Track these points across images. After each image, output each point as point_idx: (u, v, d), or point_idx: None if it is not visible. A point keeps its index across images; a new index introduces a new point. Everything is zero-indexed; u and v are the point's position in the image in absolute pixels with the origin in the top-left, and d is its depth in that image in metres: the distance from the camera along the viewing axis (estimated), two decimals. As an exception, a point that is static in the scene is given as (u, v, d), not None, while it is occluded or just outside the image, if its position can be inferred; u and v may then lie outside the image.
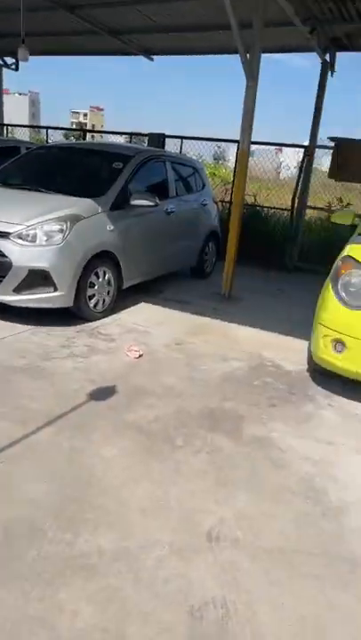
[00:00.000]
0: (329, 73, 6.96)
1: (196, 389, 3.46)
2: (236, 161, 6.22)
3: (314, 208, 7.97)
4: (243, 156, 5.46)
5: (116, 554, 2.00)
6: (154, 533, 2.12)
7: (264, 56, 5.24)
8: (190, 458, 2.68)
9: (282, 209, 8.05)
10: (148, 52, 8.54)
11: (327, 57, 6.79)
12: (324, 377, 3.74)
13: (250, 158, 6.00)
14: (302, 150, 7.48)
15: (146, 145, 8.30)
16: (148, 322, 4.69)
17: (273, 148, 11.09)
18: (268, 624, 1.78)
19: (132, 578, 1.90)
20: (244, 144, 5.37)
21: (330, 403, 3.49)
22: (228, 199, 7.92)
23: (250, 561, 2.04)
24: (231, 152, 11.16)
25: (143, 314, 4.92)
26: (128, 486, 2.40)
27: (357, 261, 3.50)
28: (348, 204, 7.85)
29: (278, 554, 2.09)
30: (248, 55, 5.01)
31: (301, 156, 7.44)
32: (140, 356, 3.88)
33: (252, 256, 7.29)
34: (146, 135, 8.72)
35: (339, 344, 3.40)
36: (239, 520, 2.26)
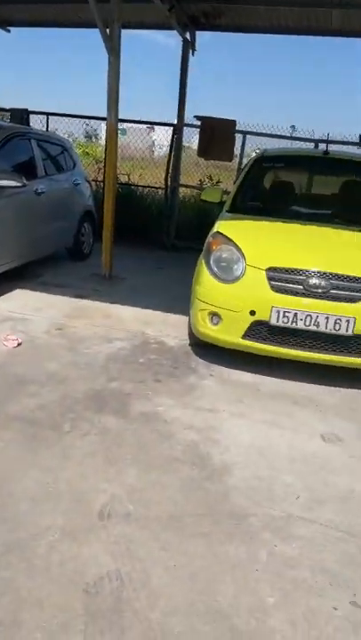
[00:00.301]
0: (190, 52, 7.10)
1: (80, 373, 3.45)
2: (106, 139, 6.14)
3: (186, 186, 8.16)
4: (111, 134, 5.42)
5: (5, 547, 1.96)
6: (45, 520, 2.11)
7: (133, 33, 5.20)
8: (78, 441, 2.69)
9: (156, 187, 8.14)
10: (4, 24, 8.02)
11: (188, 35, 6.90)
12: (205, 349, 3.92)
13: (123, 137, 5.97)
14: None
15: (9, 122, 7.86)
16: (26, 308, 4.53)
17: (145, 126, 11.09)
18: (161, 586, 1.87)
19: (25, 567, 1.89)
20: (112, 121, 5.32)
21: (211, 373, 3.67)
22: (101, 178, 7.82)
23: (141, 531, 2.12)
24: (104, 130, 10.97)
25: (19, 300, 4.74)
26: (16, 478, 2.35)
27: (226, 237, 3.68)
28: (218, 181, 8.15)
29: (168, 520, 2.20)
30: (108, 30, 4.94)
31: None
32: (19, 344, 3.76)
33: (130, 236, 7.32)
34: (8, 111, 8.25)
35: (215, 317, 3.58)
36: (130, 494, 2.33)
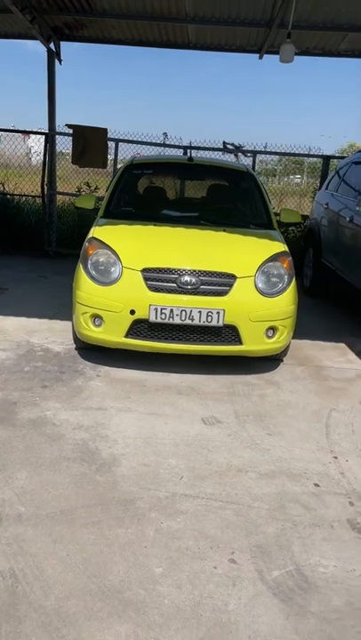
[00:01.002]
0: (58, 61, 7.13)
1: None
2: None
3: (64, 194, 8.15)
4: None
5: None
6: None
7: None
8: (-36, 454, 2.68)
9: (33, 196, 8.03)
10: None
11: (52, 46, 6.93)
12: (91, 351, 4.03)
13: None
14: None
15: None
16: None
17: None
18: (55, 575, 1.97)
19: None
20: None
21: (98, 374, 3.79)
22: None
23: (34, 529, 2.19)
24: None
25: None
26: None
27: (101, 242, 3.83)
28: (96, 187, 8.25)
29: (60, 515, 2.29)
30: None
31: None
32: None
33: (10, 246, 7.14)
34: None
35: (97, 319, 3.71)
36: (21, 496, 2.38)
